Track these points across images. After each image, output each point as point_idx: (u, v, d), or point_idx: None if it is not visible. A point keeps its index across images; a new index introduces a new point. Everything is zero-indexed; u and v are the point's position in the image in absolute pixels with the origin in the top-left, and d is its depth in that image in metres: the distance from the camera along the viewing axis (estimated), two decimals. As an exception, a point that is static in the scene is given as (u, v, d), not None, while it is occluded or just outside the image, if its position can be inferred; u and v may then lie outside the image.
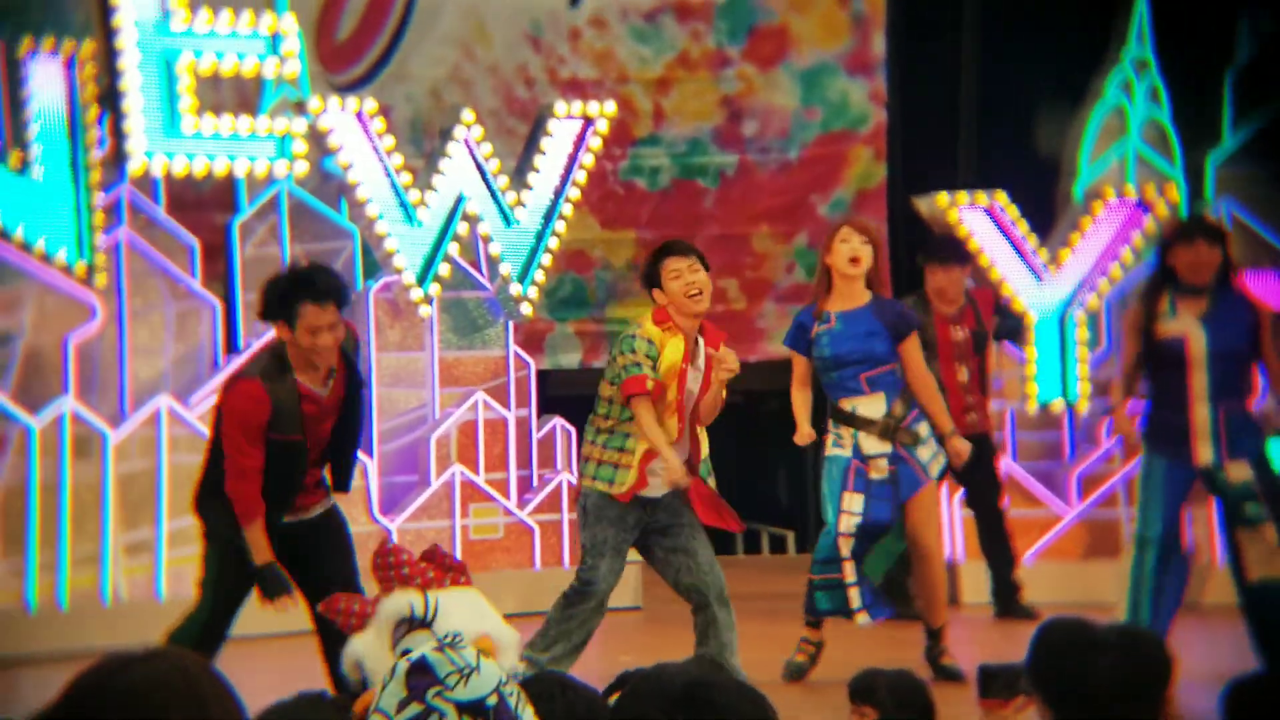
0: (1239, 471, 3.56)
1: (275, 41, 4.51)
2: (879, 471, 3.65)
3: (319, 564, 3.16)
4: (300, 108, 4.65)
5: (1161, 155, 5.08)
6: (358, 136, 4.73)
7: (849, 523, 3.68)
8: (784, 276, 6.19)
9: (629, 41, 5.95)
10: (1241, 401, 3.58)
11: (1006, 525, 4.63)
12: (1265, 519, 3.55)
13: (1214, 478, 3.58)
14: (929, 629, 3.82)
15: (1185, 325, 3.52)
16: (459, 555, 4.82)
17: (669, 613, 4.66)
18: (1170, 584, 3.59)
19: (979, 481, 4.60)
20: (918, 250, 4.72)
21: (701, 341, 3.39)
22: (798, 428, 3.66)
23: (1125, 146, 5.08)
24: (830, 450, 3.70)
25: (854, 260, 3.64)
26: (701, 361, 3.38)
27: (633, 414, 3.32)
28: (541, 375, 5.24)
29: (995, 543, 4.60)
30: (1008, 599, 4.60)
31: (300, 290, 3.04)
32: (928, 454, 3.70)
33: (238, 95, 4.92)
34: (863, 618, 3.72)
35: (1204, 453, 3.54)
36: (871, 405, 3.66)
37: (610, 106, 5.00)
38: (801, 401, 3.70)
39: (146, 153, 4.40)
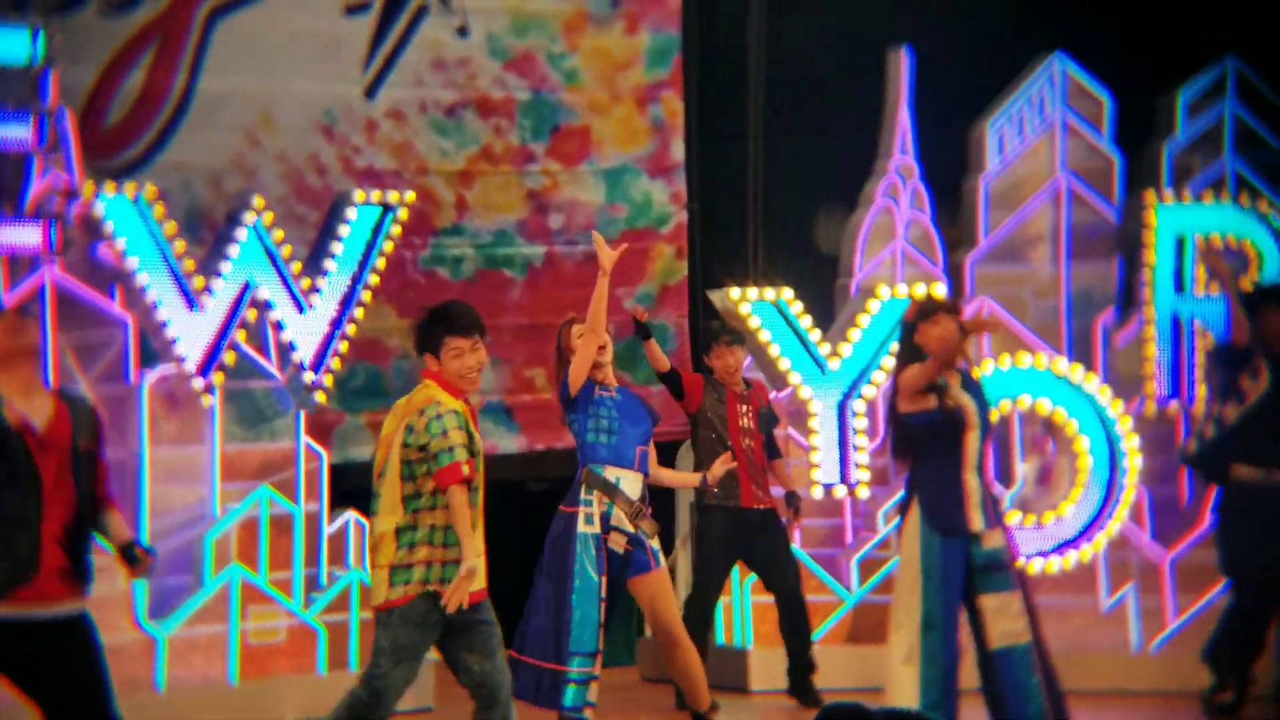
0: (994, 539, 3.66)
1: (41, 124, 4.24)
2: (617, 545, 3.64)
3: (59, 686, 2.71)
4: (70, 194, 4.36)
5: (926, 255, 5.36)
6: (134, 222, 4.48)
7: (604, 611, 3.64)
8: (591, 366, 6.14)
9: (429, 134, 5.89)
10: (989, 472, 3.76)
11: (805, 603, 4.65)
12: (1013, 588, 3.64)
13: (972, 545, 3.67)
14: (696, 715, 3.79)
15: (961, 396, 3.68)
16: (235, 661, 4.51)
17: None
18: (954, 664, 3.65)
19: (773, 560, 4.61)
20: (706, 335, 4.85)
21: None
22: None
23: (894, 247, 5.35)
24: (582, 528, 3.65)
25: (602, 349, 3.73)
26: None
27: (449, 503, 3.03)
28: (336, 468, 5.00)
29: (794, 620, 4.61)
30: (802, 679, 4.60)
31: None
32: (655, 545, 3.74)
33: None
34: (589, 714, 3.62)
35: (976, 519, 3.64)
36: (633, 483, 3.68)
37: (408, 195, 4.92)
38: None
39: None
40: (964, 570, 3.65)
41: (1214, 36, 5.28)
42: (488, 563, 3.19)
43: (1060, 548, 4.99)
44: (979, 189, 5.31)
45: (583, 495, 3.66)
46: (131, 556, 2.91)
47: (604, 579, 3.63)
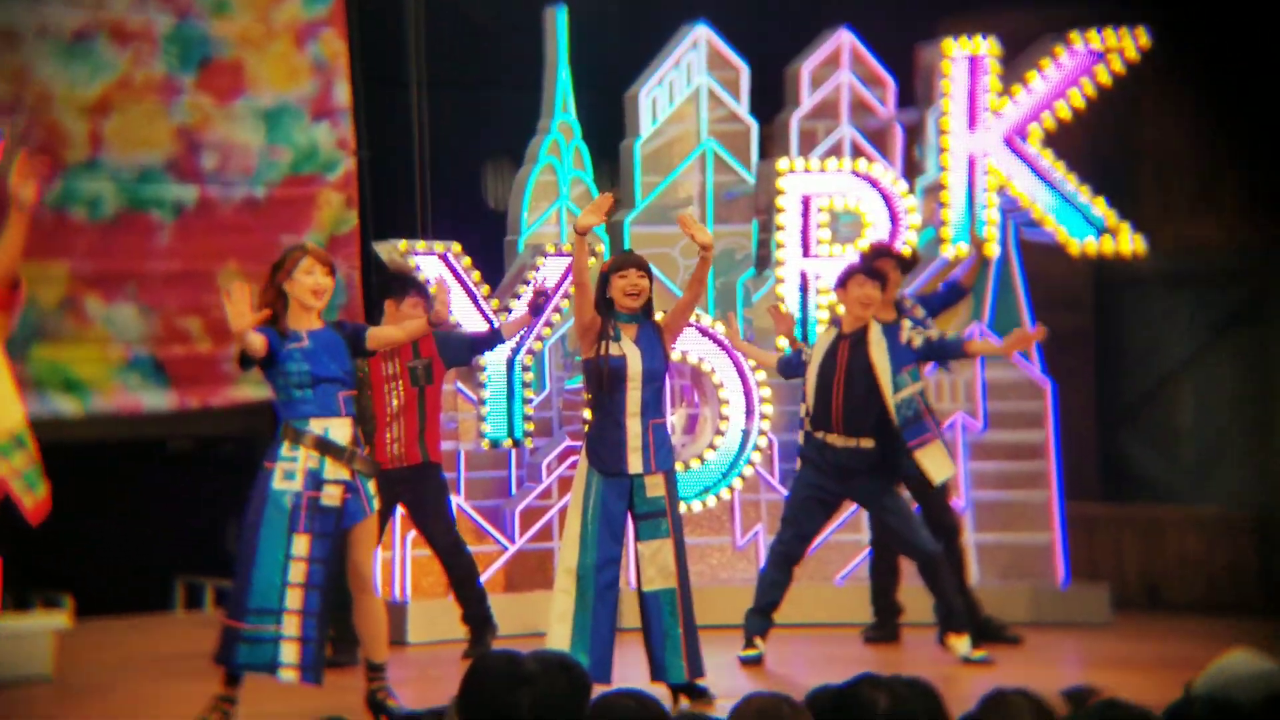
0: (656, 486, 3.78)
1: None
2: (331, 499, 3.47)
3: None
4: None
5: (587, 213, 5.43)
6: None
7: (299, 571, 3.44)
8: (254, 316, 5.70)
9: (53, 60, 5.17)
10: (662, 419, 3.83)
11: (469, 557, 4.53)
12: (667, 535, 3.78)
13: (635, 489, 3.76)
14: (371, 664, 3.66)
15: (625, 347, 3.76)
16: None
17: (83, 683, 4.08)
18: (612, 606, 3.73)
19: (430, 516, 4.48)
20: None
21: None
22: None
23: (558, 204, 5.31)
24: (280, 483, 3.45)
25: (317, 293, 3.51)
26: None
27: None
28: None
29: (466, 577, 4.49)
30: (480, 630, 4.50)
31: None
32: (374, 487, 3.58)
33: None
34: (289, 674, 3.46)
35: (635, 463, 3.75)
36: (342, 429, 3.49)
37: None
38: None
39: None
40: (625, 512, 3.74)
41: (833, 7, 5.56)
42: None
43: (702, 490, 5.22)
44: (632, 152, 5.36)
45: (283, 451, 3.43)
46: None
47: (308, 537, 3.42)
